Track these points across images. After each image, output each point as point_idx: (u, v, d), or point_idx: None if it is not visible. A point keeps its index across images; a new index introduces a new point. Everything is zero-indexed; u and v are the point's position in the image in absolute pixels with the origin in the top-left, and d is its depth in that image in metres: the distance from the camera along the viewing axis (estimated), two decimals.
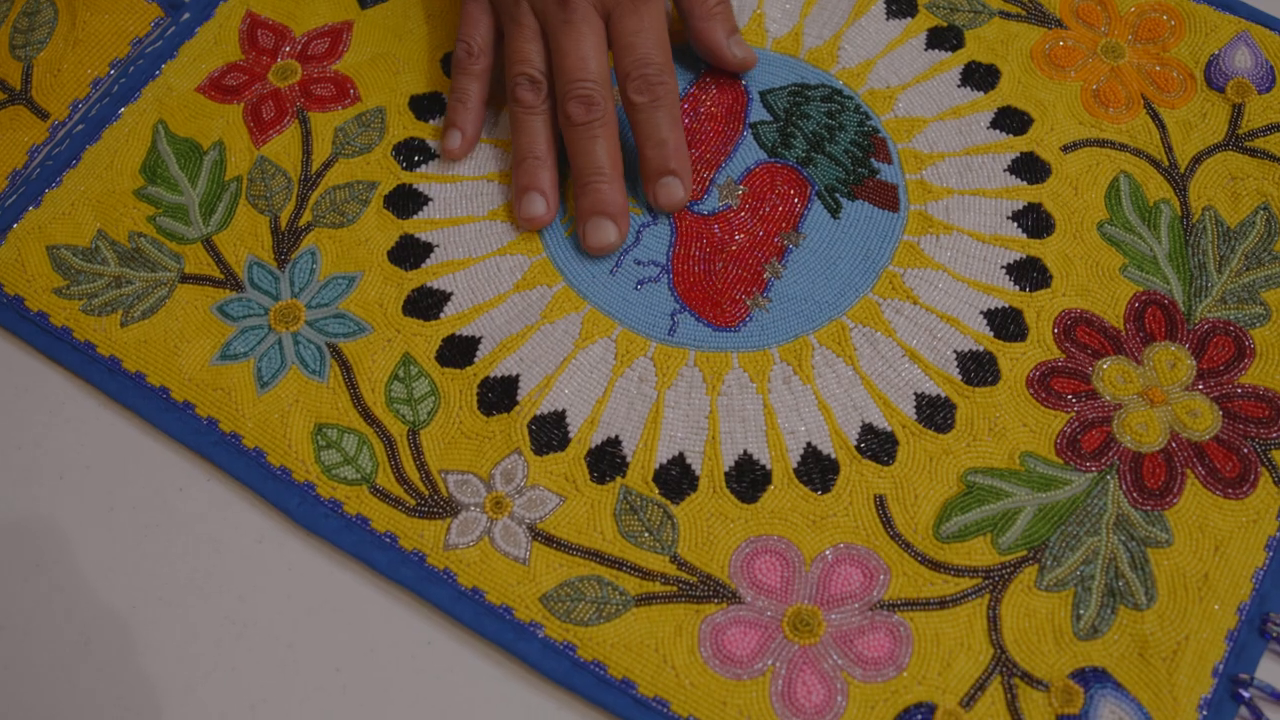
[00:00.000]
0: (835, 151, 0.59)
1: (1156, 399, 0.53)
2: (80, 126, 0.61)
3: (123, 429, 0.55)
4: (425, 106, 0.62)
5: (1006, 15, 0.63)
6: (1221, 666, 0.48)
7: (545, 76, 0.58)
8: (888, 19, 0.64)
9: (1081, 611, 0.49)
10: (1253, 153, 0.59)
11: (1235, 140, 0.59)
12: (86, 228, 0.58)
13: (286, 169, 0.60)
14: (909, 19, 0.64)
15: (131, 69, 0.63)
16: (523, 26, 0.59)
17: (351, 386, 0.54)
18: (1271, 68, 0.61)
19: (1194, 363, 0.54)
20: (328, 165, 0.60)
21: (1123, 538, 0.50)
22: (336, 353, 0.55)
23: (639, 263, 0.57)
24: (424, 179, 0.60)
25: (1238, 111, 0.60)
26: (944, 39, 0.63)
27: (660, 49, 0.58)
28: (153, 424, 0.54)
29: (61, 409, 0.55)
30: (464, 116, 0.60)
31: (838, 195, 0.58)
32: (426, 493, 0.52)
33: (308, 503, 0.52)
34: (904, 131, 0.60)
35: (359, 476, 0.52)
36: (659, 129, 0.57)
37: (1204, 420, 0.52)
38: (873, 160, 0.59)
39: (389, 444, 0.53)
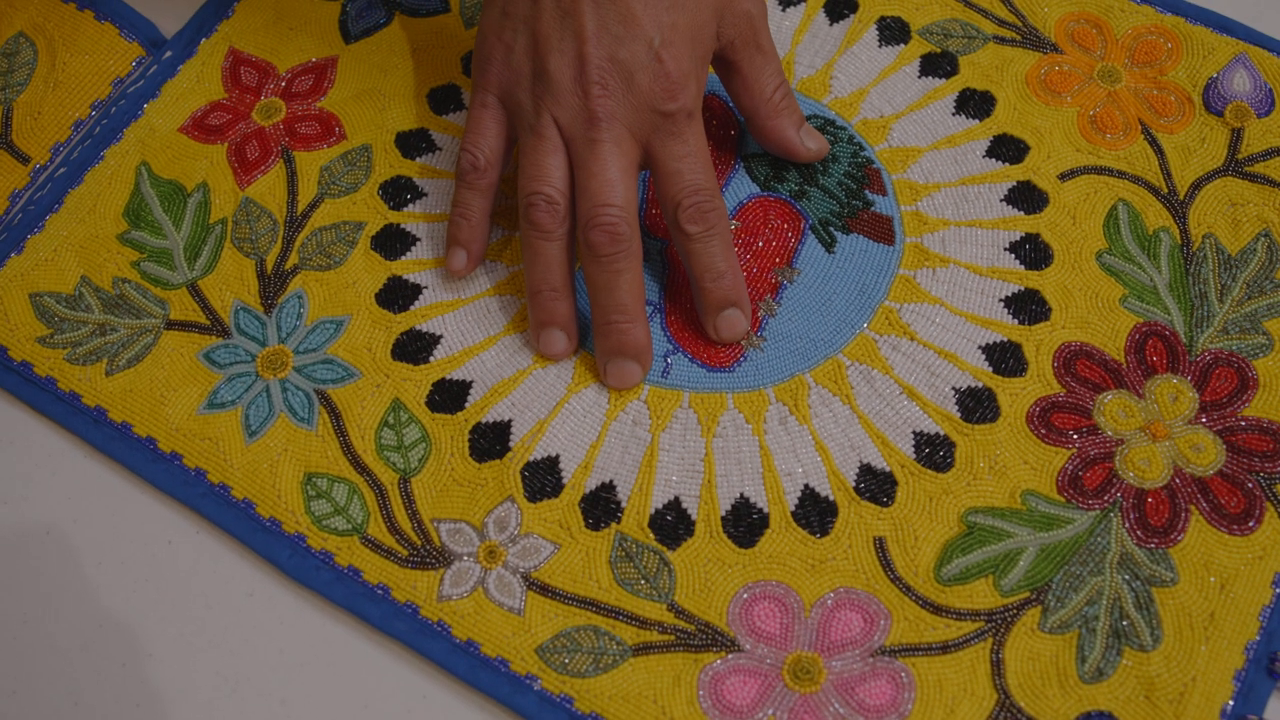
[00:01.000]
0: (829, 184, 0.58)
1: (1159, 434, 0.52)
2: (62, 170, 0.60)
3: (110, 481, 0.54)
4: (412, 143, 0.61)
5: (1001, 40, 0.62)
6: (1230, 707, 0.47)
7: (564, 198, 0.53)
8: (880, 46, 0.63)
9: (1086, 654, 0.48)
10: (1253, 178, 0.58)
11: (1235, 165, 0.58)
12: (70, 274, 0.57)
13: (272, 210, 0.59)
14: (902, 46, 0.63)
15: (113, 110, 0.62)
16: (543, 139, 0.53)
17: (341, 434, 0.53)
18: (1270, 90, 0.60)
19: (1196, 395, 0.53)
20: (314, 206, 0.59)
21: (1127, 577, 0.49)
22: (325, 399, 0.54)
23: None
24: (411, 218, 0.59)
25: (1237, 136, 0.59)
26: (937, 66, 0.62)
27: (708, 173, 0.53)
28: (140, 475, 0.53)
29: (47, 462, 0.54)
30: (469, 235, 0.56)
31: (832, 229, 0.57)
32: (419, 543, 0.51)
33: (299, 555, 0.51)
34: (898, 162, 0.59)
35: (350, 527, 0.51)
36: (716, 260, 0.53)
37: (1207, 455, 0.52)
38: (867, 192, 0.58)
39: (380, 493, 0.52)
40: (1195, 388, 0.53)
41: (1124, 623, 0.48)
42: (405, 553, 0.51)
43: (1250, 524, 0.50)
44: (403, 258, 0.58)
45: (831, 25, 0.64)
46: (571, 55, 0.52)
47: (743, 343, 0.55)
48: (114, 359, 0.55)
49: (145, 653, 0.50)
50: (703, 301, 0.54)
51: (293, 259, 0.58)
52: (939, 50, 0.62)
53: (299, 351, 0.55)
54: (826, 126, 0.60)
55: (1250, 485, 0.51)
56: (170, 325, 0.56)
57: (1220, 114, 0.60)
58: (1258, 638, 0.48)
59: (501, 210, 0.58)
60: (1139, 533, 0.50)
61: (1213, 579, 0.49)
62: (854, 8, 0.64)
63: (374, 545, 0.51)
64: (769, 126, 0.57)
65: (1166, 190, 0.58)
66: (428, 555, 0.51)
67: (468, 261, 0.56)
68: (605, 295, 0.53)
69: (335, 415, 0.54)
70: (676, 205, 0.53)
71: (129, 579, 0.52)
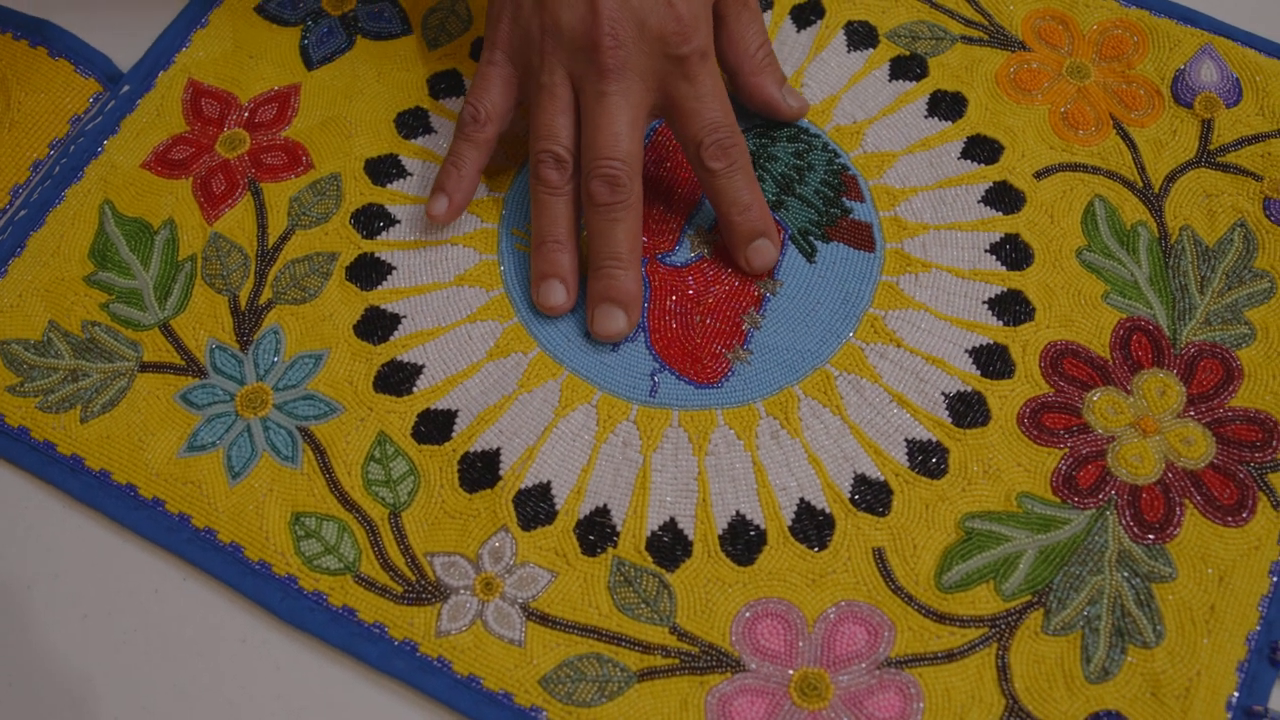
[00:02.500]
0: (806, 193, 0.58)
1: (1149, 429, 0.52)
2: (23, 212, 0.59)
3: (91, 531, 0.52)
4: (382, 170, 0.60)
5: (969, 40, 0.62)
6: (1235, 698, 0.47)
7: (572, 155, 0.55)
8: (849, 51, 0.63)
9: (1091, 654, 0.48)
10: (1225, 168, 0.58)
11: (1207, 156, 0.59)
12: (37, 320, 0.56)
13: (242, 245, 0.58)
14: (871, 50, 0.63)
15: (72, 148, 0.60)
16: (555, 96, 0.55)
17: (327, 471, 0.52)
18: (1238, 80, 0.60)
19: (1183, 389, 0.53)
20: (285, 238, 0.58)
21: (1126, 574, 0.49)
22: (308, 436, 0.53)
23: None
24: (386, 246, 0.58)
25: (1207, 127, 0.59)
26: (907, 68, 0.62)
27: (726, 110, 0.55)
28: (122, 524, 0.52)
29: (24, 515, 0.53)
30: (455, 183, 0.57)
31: (811, 238, 0.57)
32: (413, 578, 0.50)
33: (291, 597, 0.50)
34: (874, 167, 0.59)
35: (342, 566, 0.50)
36: (741, 193, 0.55)
37: (1198, 447, 0.52)
38: (844, 199, 0.58)
39: (371, 529, 0.51)
40: (1182, 381, 0.53)
41: (1126, 620, 0.48)
42: (400, 589, 0.50)
43: (1244, 515, 0.50)
44: (379, 287, 0.57)
45: (799, 32, 0.63)
46: (582, 9, 0.53)
47: (729, 356, 0.54)
48: (88, 405, 0.54)
49: (139, 706, 0.49)
50: (732, 235, 0.56)
51: (266, 294, 0.56)
52: (908, 53, 0.62)
53: (279, 388, 0.54)
54: (800, 135, 0.60)
55: (1242, 476, 0.51)
56: (144, 367, 0.55)
57: (1190, 105, 0.60)
58: (1258, 628, 0.48)
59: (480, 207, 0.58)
60: (1135, 529, 0.50)
61: (1210, 571, 0.49)
62: (820, 13, 0.64)
63: (368, 583, 0.50)
64: (752, 83, 0.59)
65: (1141, 184, 0.58)
66: (423, 590, 0.50)
67: (448, 209, 0.57)
68: (601, 242, 0.54)
69: (320, 452, 0.53)
70: (699, 144, 0.54)
71: (117, 631, 0.50)
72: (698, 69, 0.54)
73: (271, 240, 0.58)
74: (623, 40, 0.53)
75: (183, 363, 0.55)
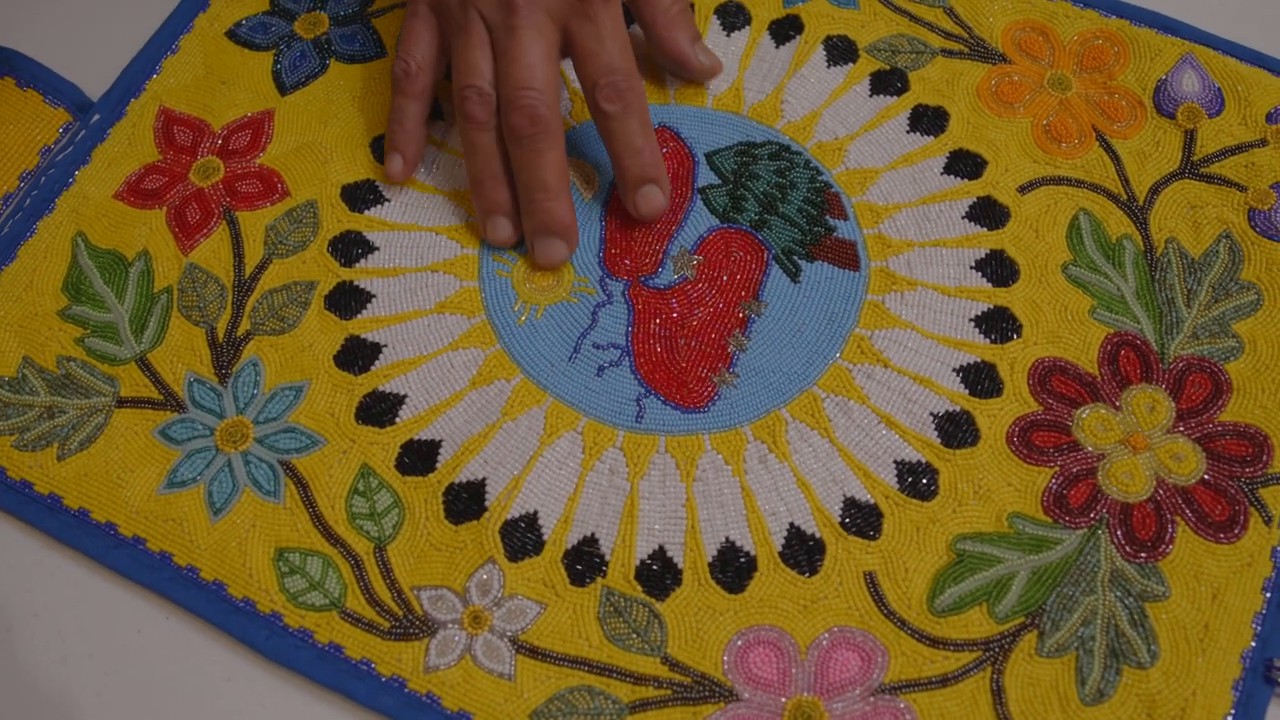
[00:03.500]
0: (789, 211, 0.58)
1: (1139, 445, 0.52)
2: None
3: (70, 571, 0.52)
4: (359, 196, 0.59)
5: (949, 54, 0.62)
6: (1231, 717, 0.47)
7: (494, 89, 0.56)
8: (829, 67, 0.62)
9: (1085, 675, 0.48)
10: (1209, 179, 0.58)
11: (1191, 167, 0.58)
12: (10, 356, 0.55)
13: (218, 275, 0.57)
14: (850, 65, 0.62)
15: (43, 180, 0.59)
16: (470, 35, 0.56)
17: (310, 505, 0.52)
18: (1219, 89, 0.60)
19: (1172, 404, 0.53)
20: (262, 268, 0.57)
21: (1119, 594, 0.49)
22: (290, 470, 0.52)
23: (598, 346, 0.55)
24: (365, 274, 0.57)
25: (1190, 137, 0.59)
26: (888, 83, 0.61)
27: (625, 54, 0.55)
28: (102, 563, 0.51)
29: (1, 555, 0.52)
30: (403, 139, 0.58)
31: (795, 257, 0.57)
32: (400, 613, 0.49)
33: (276, 635, 0.49)
34: (857, 184, 0.59)
35: (327, 602, 0.50)
36: (634, 137, 0.56)
37: (1188, 464, 0.51)
38: (828, 217, 0.58)
39: (356, 564, 0.50)
40: (1170, 396, 0.53)
41: (1121, 641, 0.48)
42: (387, 624, 0.49)
43: (1236, 531, 0.50)
44: (359, 316, 0.56)
45: (778, 48, 0.63)
46: None
47: (715, 380, 0.54)
48: (65, 442, 0.53)
49: None
50: (621, 179, 0.57)
51: (244, 325, 0.56)
52: (888, 67, 0.62)
53: (259, 421, 0.53)
54: (782, 152, 0.59)
55: (1233, 491, 0.51)
56: (121, 403, 0.54)
57: (1172, 116, 0.60)
58: (1253, 645, 0.48)
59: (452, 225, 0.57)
60: (1127, 548, 0.50)
61: (1204, 589, 0.49)
62: (799, 28, 0.63)
63: (354, 619, 0.49)
64: (664, 37, 0.60)
65: (1125, 196, 0.58)
66: (410, 625, 0.49)
67: (403, 166, 0.58)
68: (528, 174, 0.55)
69: (302, 486, 0.52)
70: (594, 85, 0.55)
71: (99, 673, 0.49)
72: (599, 10, 0.55)
73: (248, 270, 0.57)
74: None
75: (161, 397, 0.54)
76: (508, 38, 0.55)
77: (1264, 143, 0.59)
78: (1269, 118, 0.59)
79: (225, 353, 0.55)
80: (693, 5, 0.63)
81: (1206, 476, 0.51)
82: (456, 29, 0.56)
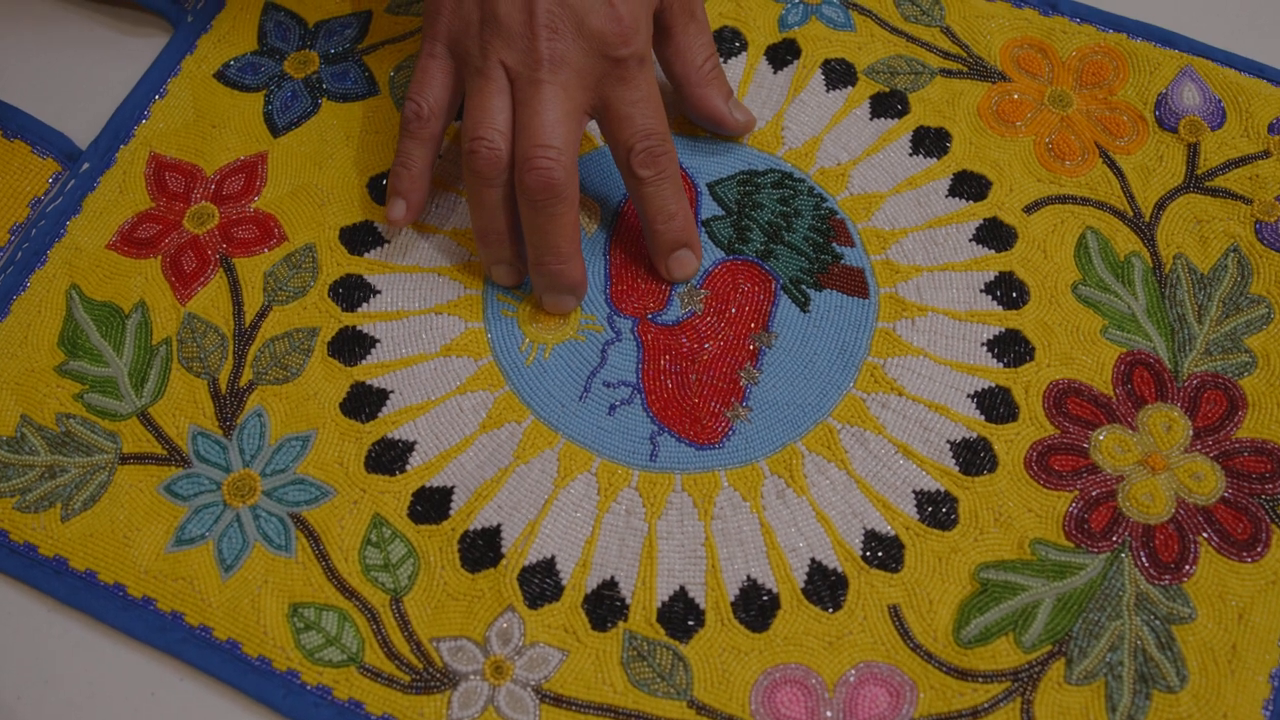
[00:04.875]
0: (795, 240, 0.57)
1: (1158, 465, 0.51)
2: None
3: (79, 635, 0.50)
4: (358, 238, 0.58)
5: (948, 73, 0.61)
6: None
7: (507, 141, 0.53)
8: (828, 91, 0.61)
9: (1115, 702, 0.47)
10: (1214, 192, 0.58)
11: (1195, 181, 0.58)
12: (9, 415, 0.54)
13: (218, 324, 0.56)
14: (850, 88, 0.61)
15: (34, 232, 0.58)
16: (489, 81, 0.53)
17: (323, 558, 0.51)
18: (1220, 102, 0.60)
19: (1189, 422, 0.52)
20: (262, 315, 0.56)
21: (1145, 618, 0.48)
22: (301, 523, 0.51)
23: (608, 384, 0.54)
24: (368, 319, 0.56)
25: (1193, 151, 0.59)
26: (888, 105, 0.61)
27: (660, 118, 0.54)
28: (112, 626, 0.50)
29: (8, 621, 0.51)
30: (408, 184, 0.56)
31: (804, 287, 0.56)
32: (420, 666, 0.49)
33: (294, 693, 0.48)
34: (862, 210, 0.58)
35: (345, 657, 0.49)
36: (668, 203, 0.54)
37: (1208, 483, 0.51)
38: (834, 245, 0.57)
39: (372, 617, 0.49)
40: (1187, 414, 0.53)
41: (1149, 665, 0.48)
42: (407, 678, 0.48)
43: (1259, 549, 0.50)
44: (363, 362, 0.55)
45: (776, 73, 0.62)
46: (521, 1, 0.52)
47: (728, 414, 0.53)
48: (68, 502, 0.52)
49: None
50: (655, 244, 0.56)
51: (247, 375, 0.55)
52: (888, 89, 0.61)
53: (266, 474, 0.52)
54: (784, 180, 0.59)
55: (1254, 509, 0.51)
56: (124, 459, 0.53)
57: (1174, 130, 0.59)
58: None
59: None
60: (1151, 570, 0.49)
61: (1230, 609, 0.49)
62: (796, 53, 0.62)
63: (373, 674, 0.48)
64: (697, 95, 0.58)
65: (1131, 213, 0.57)
66: (431, 678, 0.48)
67: (406, 212, 0.57)
68: (539, 237, 0.53)
69: (314, 539, 0.51)
70: (629, 150, 0.54)
71: None
72: (635, 73, 0.53)
73: (249, 318, 0.56)
74: (560, 32, 0.52)
75: (164, 452, 0.53)
76: (530, 90, 0.52)
77: (1267, 154, 0.58)
78: (1271, 128, 0.59)
79: (228, 404, 0.54)
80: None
81: (1226, 494, 0.51)
82: (474, 73, 0.54)
